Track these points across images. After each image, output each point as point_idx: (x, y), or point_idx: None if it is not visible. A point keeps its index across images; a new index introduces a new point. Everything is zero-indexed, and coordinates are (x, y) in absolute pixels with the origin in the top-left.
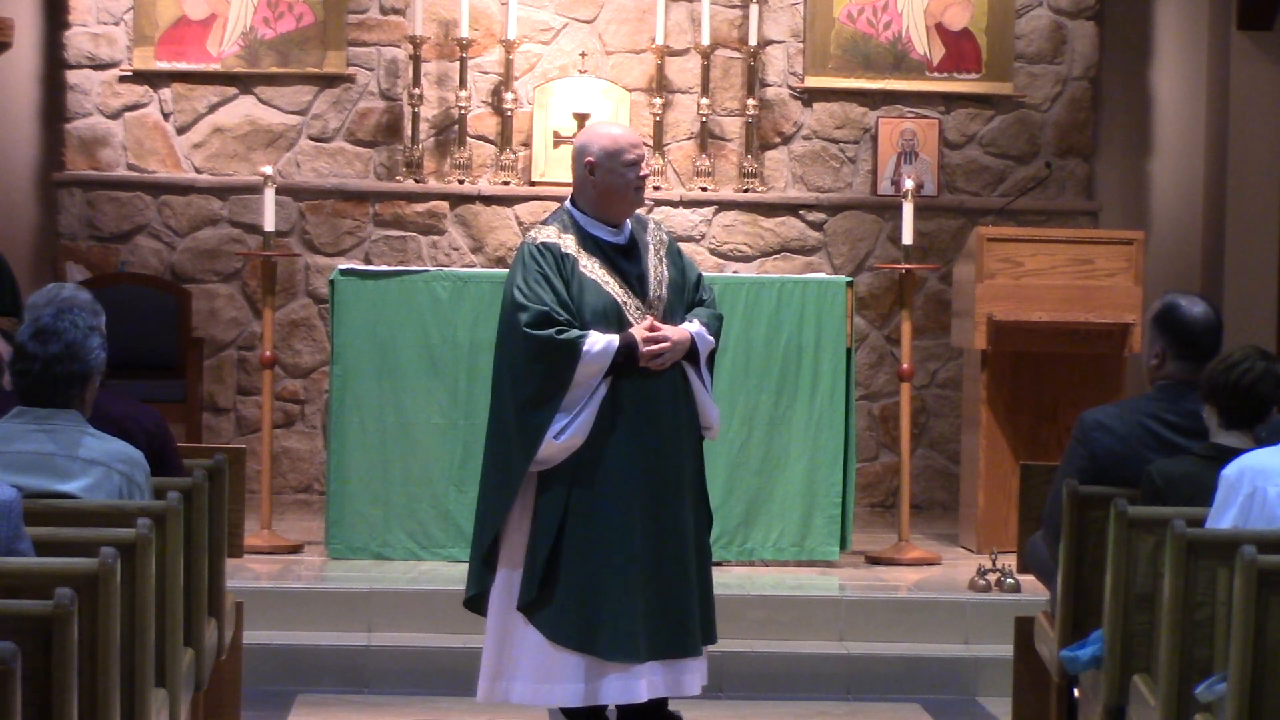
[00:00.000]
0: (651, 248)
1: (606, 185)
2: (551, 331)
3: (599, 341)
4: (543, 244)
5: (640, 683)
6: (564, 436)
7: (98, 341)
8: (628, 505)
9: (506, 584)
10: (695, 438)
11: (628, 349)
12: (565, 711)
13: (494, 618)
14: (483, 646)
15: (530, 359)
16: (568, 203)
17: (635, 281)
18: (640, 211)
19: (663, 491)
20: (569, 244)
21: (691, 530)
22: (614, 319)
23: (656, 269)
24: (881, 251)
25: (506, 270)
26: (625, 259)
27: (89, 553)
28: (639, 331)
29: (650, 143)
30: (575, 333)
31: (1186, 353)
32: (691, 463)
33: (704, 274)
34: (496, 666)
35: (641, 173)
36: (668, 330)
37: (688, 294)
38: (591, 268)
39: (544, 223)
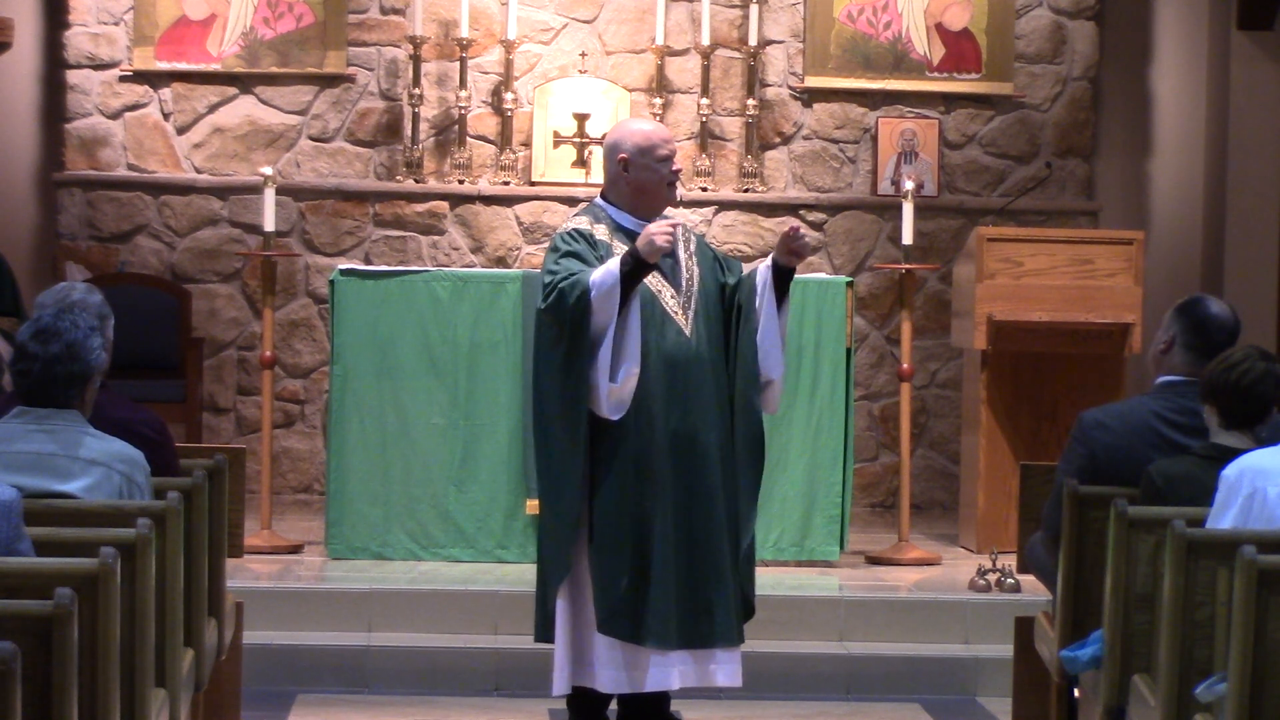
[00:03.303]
0: (681, 244)
1: (641, 181)
2: (561, 286)
3: (599, 270)
4: (574, 229)
5: (673, 671)
6: (620, 376)
7: (98, 342)
8: (663, 493)
9: (572, 578)
10: (727, 421)
11: (636, 258)
12: (569, 707)
13: (563, 612)
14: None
15: (556, 319)
16: (598, 198)
17: (668, 270)
18: (677, 214)
19: (695, 480)
20: (601, 232)
21: (724, 523)
22: (649, 307)
23: (686, 264)
24: (881, 251)
25: (506, 270)
26: None
27: (89, 553)
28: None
29: None
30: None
31: (1196, 343)
32: (720, 450)
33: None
34: (573, 657)
35: (675, 167)
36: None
37: (728, 292)
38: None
39: (575, 215)
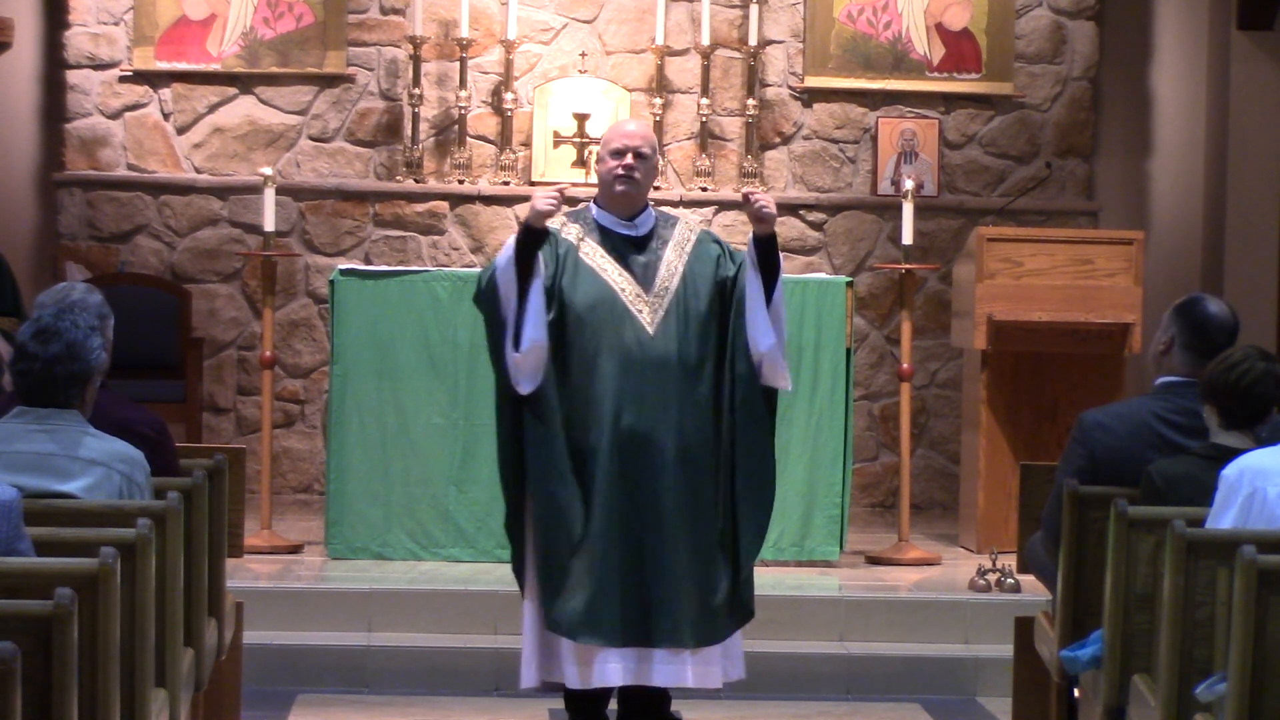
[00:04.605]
0: (673, 243)
1: (599, 174)
2: (479, 275)
3: (503, 250)
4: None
5: (618, 668)
6: (524, 344)
7: (98, 342)
8: (605, 490)
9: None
10: (695, 418)
11: (524, 226)
12: (567, 707)
13: (531, 604)
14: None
15: (480, 305)
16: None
17: (640, 269)
18: (682, 213)
19: (643, 480)
20: (573, 232)
21: (680, 524)
22: (607, 305)
23: (671, 263)
24: (881, 251)
25: None
26: (634, 249)
27: (89, 553)
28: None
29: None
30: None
31: (1195, 344)
32: (680, 452)
33: None
34: (540, 650)
35: (626, 161)
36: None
37: (729, 286)
38: (593, 256)
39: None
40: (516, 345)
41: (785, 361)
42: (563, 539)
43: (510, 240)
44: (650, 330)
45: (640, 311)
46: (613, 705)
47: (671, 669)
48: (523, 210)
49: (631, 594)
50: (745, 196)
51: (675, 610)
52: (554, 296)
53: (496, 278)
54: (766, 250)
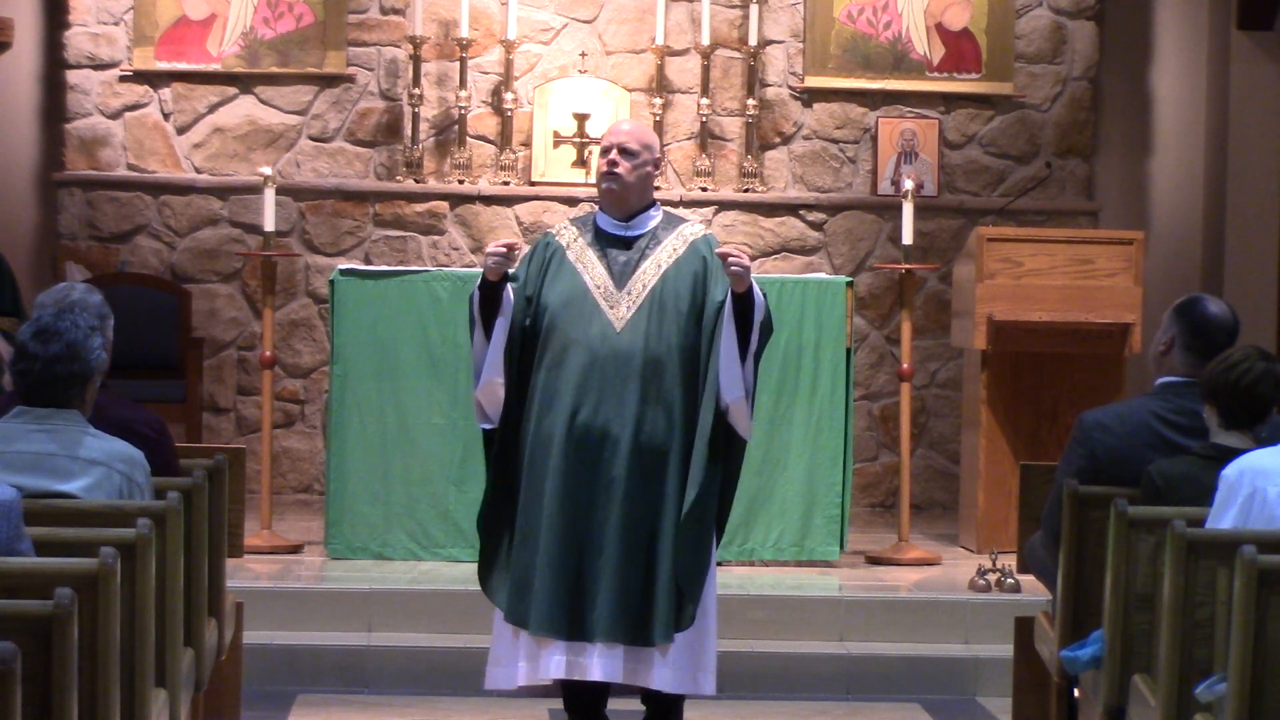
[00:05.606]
0: (665, 245)
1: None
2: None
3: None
4: (545, 234)
5: (556, 661)
6: (479, 384)
7: (99, 342)
8: (558, 481)
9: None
10: (659, 414)
11: (481, 277)
12: (565, 707)
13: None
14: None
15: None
16: None
17: (619, 267)
18: (688, 215)
19: (595, 472)
20: (566, 233)
21: (620, 512)
22: (578, 303)
23: (656, 263)
24: (881, 251)
25: None
26: (620, 248)
27: (89, 553)
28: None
29: None
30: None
31: (1195, 344)
32: (636, 446)
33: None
34: (496, 653)
35: (610, 158)
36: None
37: (710, 304)
38: (579, 255)
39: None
40: (476, 382)
41: (750, 414)
42: (515, 532)
43: (478, 282)
44: (617, 326)
45: (611, 308)
46: (612, 705)
47: (606, 663)
48: (523, 210)
49: (572, 587)
50: (721, 256)
51: (612, 605)
52: (533, 305)
53: (472, 310)
54: (744, 306)
